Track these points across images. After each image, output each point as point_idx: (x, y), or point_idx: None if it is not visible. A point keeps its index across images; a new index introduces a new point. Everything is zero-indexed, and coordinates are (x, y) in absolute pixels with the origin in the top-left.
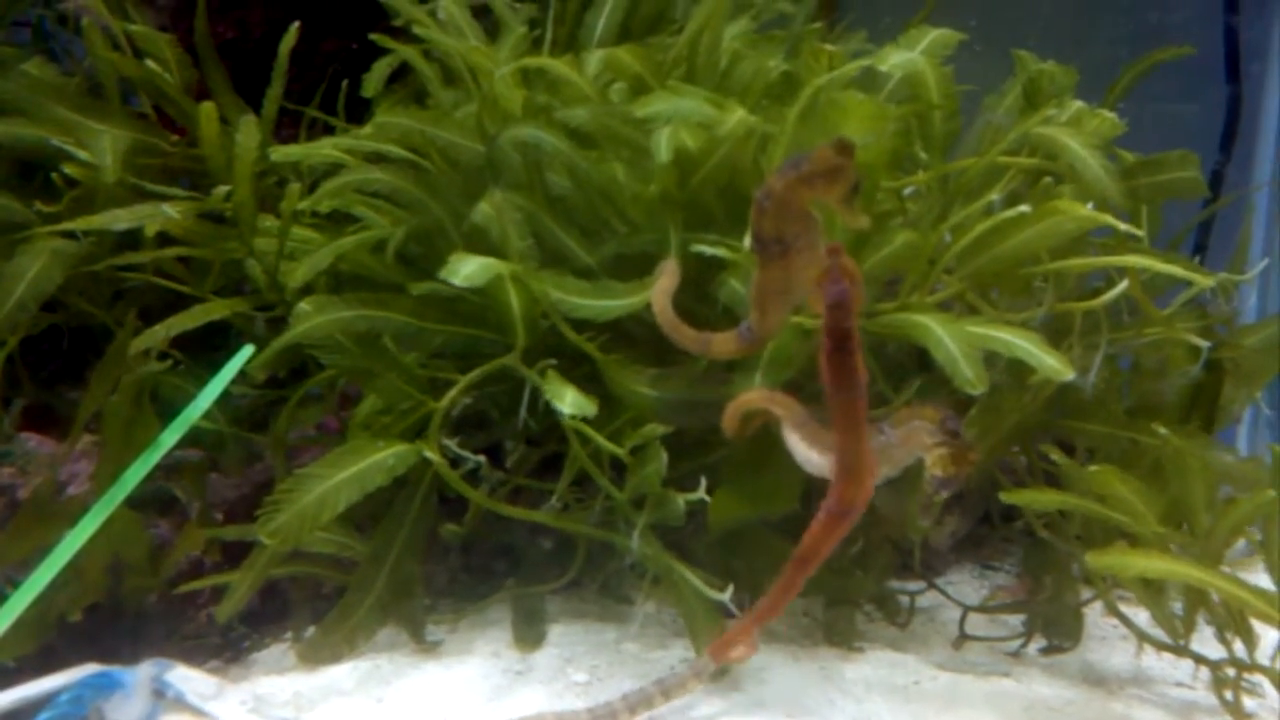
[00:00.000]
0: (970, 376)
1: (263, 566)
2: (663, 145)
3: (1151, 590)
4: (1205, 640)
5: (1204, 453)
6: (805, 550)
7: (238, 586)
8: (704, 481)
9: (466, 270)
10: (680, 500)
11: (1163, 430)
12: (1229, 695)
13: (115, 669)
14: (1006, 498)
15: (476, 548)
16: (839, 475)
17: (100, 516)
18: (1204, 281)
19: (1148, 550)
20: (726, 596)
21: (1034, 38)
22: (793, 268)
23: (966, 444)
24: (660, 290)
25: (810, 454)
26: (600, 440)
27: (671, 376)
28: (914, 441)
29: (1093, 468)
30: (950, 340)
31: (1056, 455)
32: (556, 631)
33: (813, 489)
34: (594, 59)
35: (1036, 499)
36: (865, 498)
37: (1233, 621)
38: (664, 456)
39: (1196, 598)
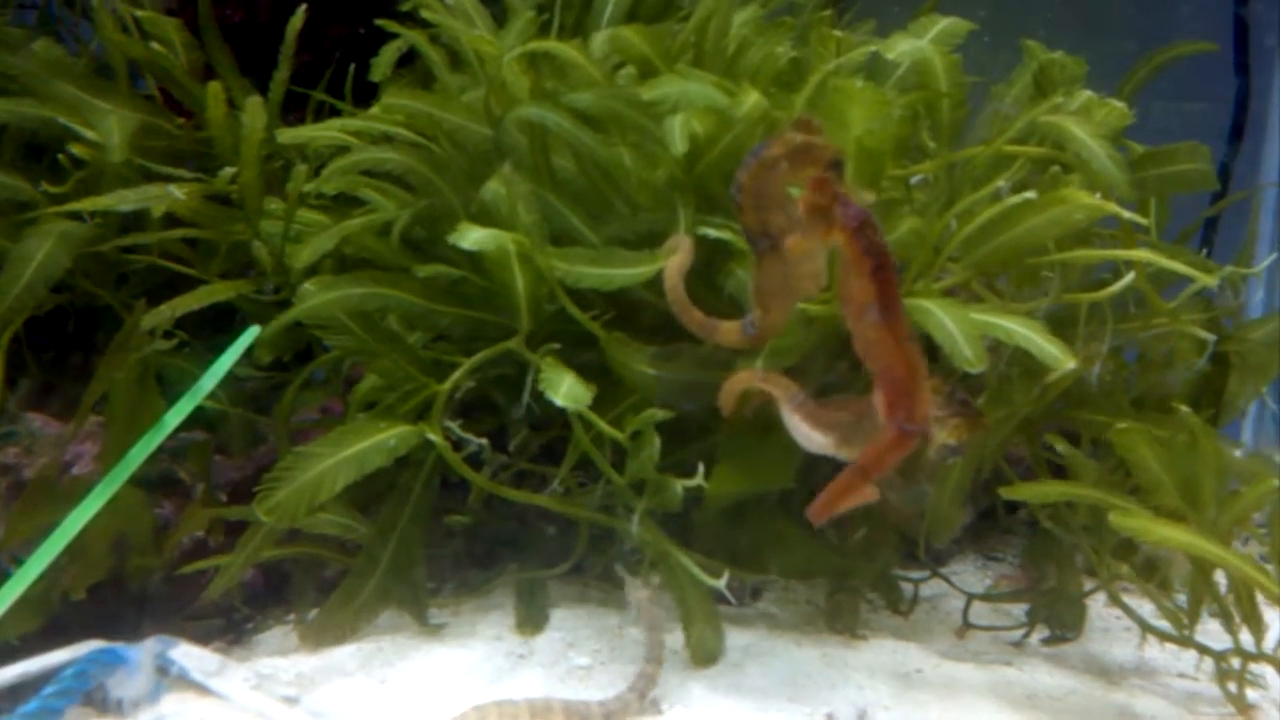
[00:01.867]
0: (969, 355)
1: (257, 545)
2: (676, 135)
3: (1159, 576)
4: (1207, 635)
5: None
6: (869, 460)
7: (232, 563)
8: (701, 467)
9: (475, 236)
10: (678, 485)
11: (1184, 409)
12: (1232, 687)
13: (119, 645)
14: (1007, 493)
15: (479, 532)
16: (903, 393)
17: (104, 495)
18: (1206, 280)
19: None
20: (722, 583)
21: (1042, 29)
22: (788, 262)
23: (976, 410)
24: (674, 267)
25: (812, 434)
26: (601, 425)
27: (673, 356)
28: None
29: (1121, 425)
30: (950, 322)
31: (1062, 445)
32: (559, 616)
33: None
34: (600, 39)
35: (1039, 492)
36: (928, 410)
37: (1240, 608)
38: (657, 442)
39: (1202, 587)
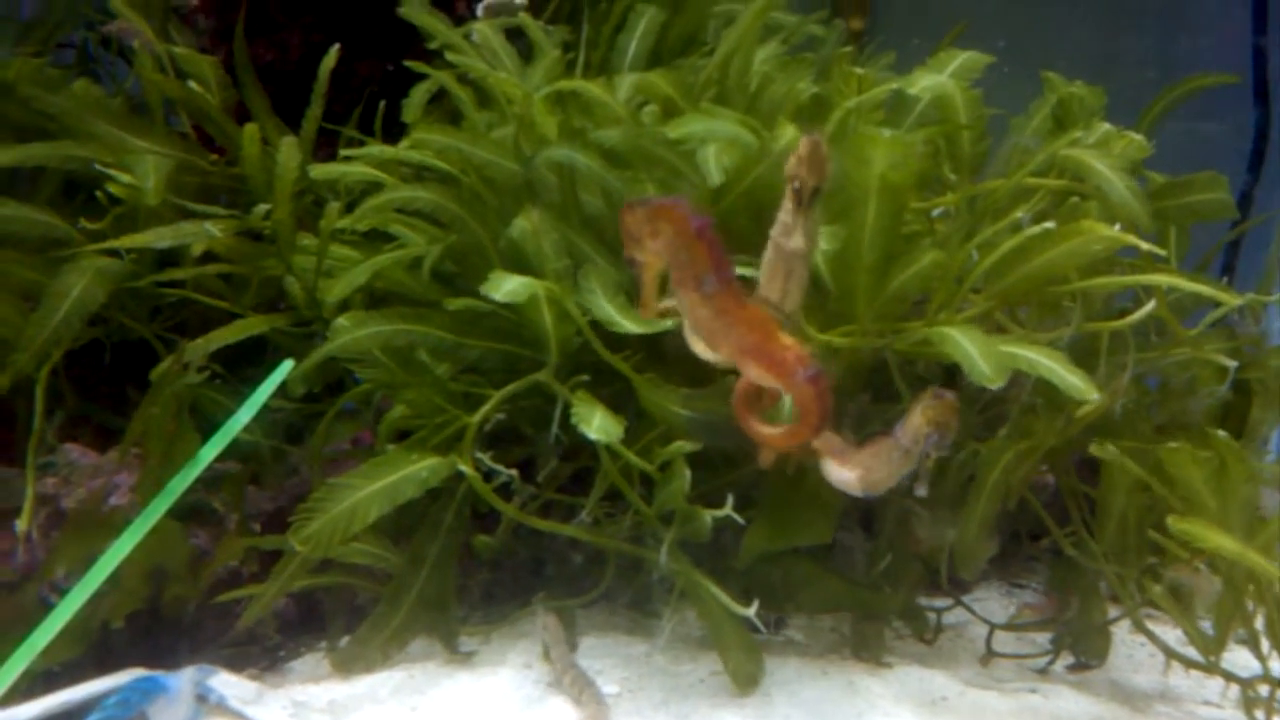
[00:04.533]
0: (987, 371)
1: (291, 574)
2: (711, 165)
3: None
4: (1232, 664)
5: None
6: (809, 421)
7: (265, 592)
8: (730, 498)
9: (508, 287)
10: (707, 516)
11: (1221, 433)
12: (1259, 715)
13: (160, 674)
14: (1097, 450)
15: (508, 561)
16: (771, 348)
17: (144, 528)
18: (1230, 301)
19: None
20: (752, 611)
21: (1062, 60)
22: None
23: (950, 396)
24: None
25: (840, 471)
26: (630, 456)
27: (703, 396)
28: (917, 425)
29: (1171, 444)
30: (968, 342)
31: (1097, 449)
32: (587, 644)
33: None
34: (626, 83)
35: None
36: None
37: (1271, 634)
38: (688, 473)
39: (1231, 611)
